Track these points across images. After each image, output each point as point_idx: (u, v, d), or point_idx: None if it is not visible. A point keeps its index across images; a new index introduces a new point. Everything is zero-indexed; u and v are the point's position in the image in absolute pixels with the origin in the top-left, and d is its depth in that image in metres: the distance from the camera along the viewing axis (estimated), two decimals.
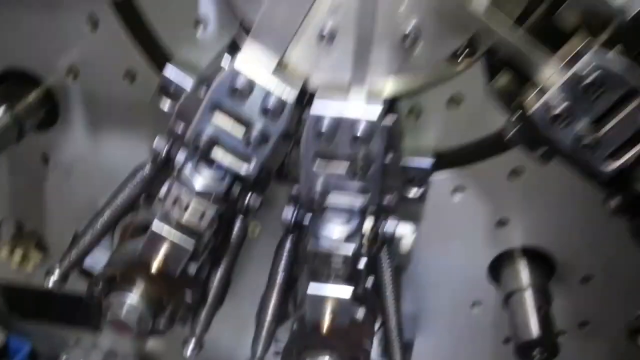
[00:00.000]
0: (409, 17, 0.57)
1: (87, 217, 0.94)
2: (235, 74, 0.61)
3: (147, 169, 0.74)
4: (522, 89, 0.61)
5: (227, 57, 0.66)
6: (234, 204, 0.72)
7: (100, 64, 0.80)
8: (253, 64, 0.61)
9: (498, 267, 0.88)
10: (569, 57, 0.56)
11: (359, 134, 0.61)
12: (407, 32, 0.57)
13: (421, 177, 0.77)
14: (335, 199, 0.68)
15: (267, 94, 0.61)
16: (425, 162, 0.76)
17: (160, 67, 0.75)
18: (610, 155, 0.60)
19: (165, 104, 0.74)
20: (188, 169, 0.67)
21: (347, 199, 0.68)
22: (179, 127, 0.68)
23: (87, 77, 0.82)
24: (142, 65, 0.78)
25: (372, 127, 0.61)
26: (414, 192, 0.78)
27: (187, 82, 0.72)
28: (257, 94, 0.62)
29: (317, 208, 0.68)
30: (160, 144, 0.70)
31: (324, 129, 0.62)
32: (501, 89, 0.64)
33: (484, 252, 0.88)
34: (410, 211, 0.82)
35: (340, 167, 0.66)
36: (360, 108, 0.62)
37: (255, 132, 0.63)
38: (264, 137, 0.63)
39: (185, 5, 0.72)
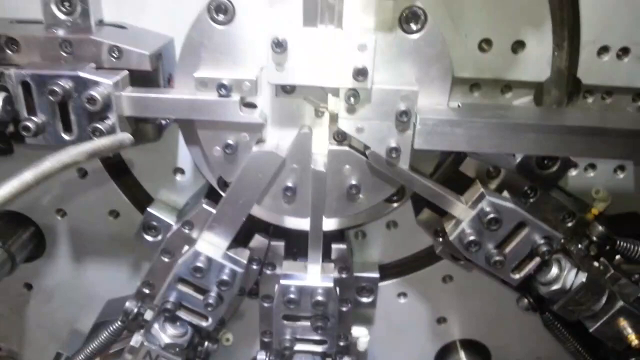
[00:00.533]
0: (352, 174, 0.73)
1: (64, 338, 1.02)
2: (197, 254, 0.77)
3: (118, 322, 0.85)
4: (440, 220, 0.78)
5: (204, 202, 0.80)
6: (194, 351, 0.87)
7: (87, 205, 0.90)
8: (210, 246, 0.77)
9: (442, 359, 1.02)
10: (474, 199, 0.73)
11: (319, 298, 0.79)
12: (351, 185, 0.74)
13: (371, 287, 0.91)
14: (301, 347, 0.85)
15: (222, 267, 0.77)
16: (374, 274, 0.91)
17: (142, 207, 0.87)
18: (514, 269, 0.77)
19: (147, 241, 0.86)
20: (156, 326, 0.82)
21: (311, 346, 0.85)
22: (148, 289, 0.83)
23: (73, 216, 0.91)
24: (126, 206, 0.89)
25: (327, 292, 0.80)
26: (366, 299, 0.92)
27: (166, 223, 0.84)
28: (214, 268, 0.77)
29: (287, 354, 0.85)
30: (131, 304, 0.83)
31: (291, 295, 0.79)
32: (425, 221, 0.81)
33: (429, 346, 1.01)
34: (364, 315, 0.96)
35: (304, 324, 0.83)
36: (317, 280, 0.81)
37: (212, 297, 0.77)
38: (219, 300, 0.78)
39: (165, 158, 0.85)
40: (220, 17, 0.67)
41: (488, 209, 0.72)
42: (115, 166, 0.86)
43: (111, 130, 0.67)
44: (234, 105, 0.67)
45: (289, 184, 0.74)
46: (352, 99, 0.65)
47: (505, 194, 0.73)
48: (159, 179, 0.87)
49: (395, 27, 0.65)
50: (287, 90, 0.71)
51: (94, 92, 0.64)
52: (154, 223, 0.85)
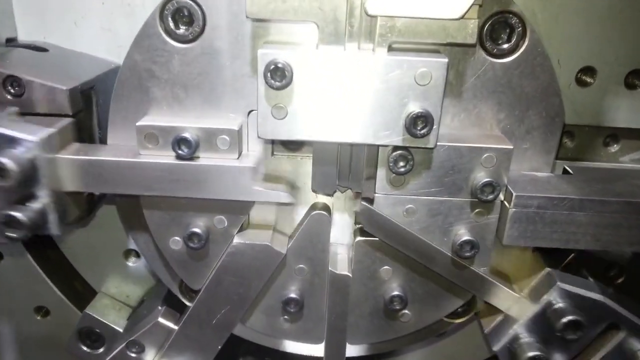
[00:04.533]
0: (393, 280, 0.46)
1: None
2: None
3: None
4: None
5: (161, 313, 0.53)
6: None
7: (5, 298, 0.66)
8: None
9: None
10: (535, 286, 0.46)
11: None
12: (392, 297, 0.46)
13: None
14: None
15: None
16: None
17: (80, 302, 0.64)
18: None
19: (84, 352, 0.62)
20: None
21: None
22: None
23: None
24: (57, 301, 0.65)
25: None
26: None
27: (110, 329, 0.60)
28: None
29: None
30: None
31: None
32: None
33: None
34: None
35: None
36: None
37: None
38: None
39: (112, 237, 0.61)
40: (182, 29, 0.41)
41: (561, 304, 0.44)
42: (43, 246, 0.63)
43: (39, 220, 0.41)
44: (243, 174, 0.41)
45: (293, 295, 0.47)
46: (400, 164, 0.39)
47: (588, 277, 0.47)
48: (104, 264, 0.64)
49: (475, 46, 0.39)
50: (290, 147, 0.44)
51: (5, 159, 0.39)
52: (95, 329, 0.62)
